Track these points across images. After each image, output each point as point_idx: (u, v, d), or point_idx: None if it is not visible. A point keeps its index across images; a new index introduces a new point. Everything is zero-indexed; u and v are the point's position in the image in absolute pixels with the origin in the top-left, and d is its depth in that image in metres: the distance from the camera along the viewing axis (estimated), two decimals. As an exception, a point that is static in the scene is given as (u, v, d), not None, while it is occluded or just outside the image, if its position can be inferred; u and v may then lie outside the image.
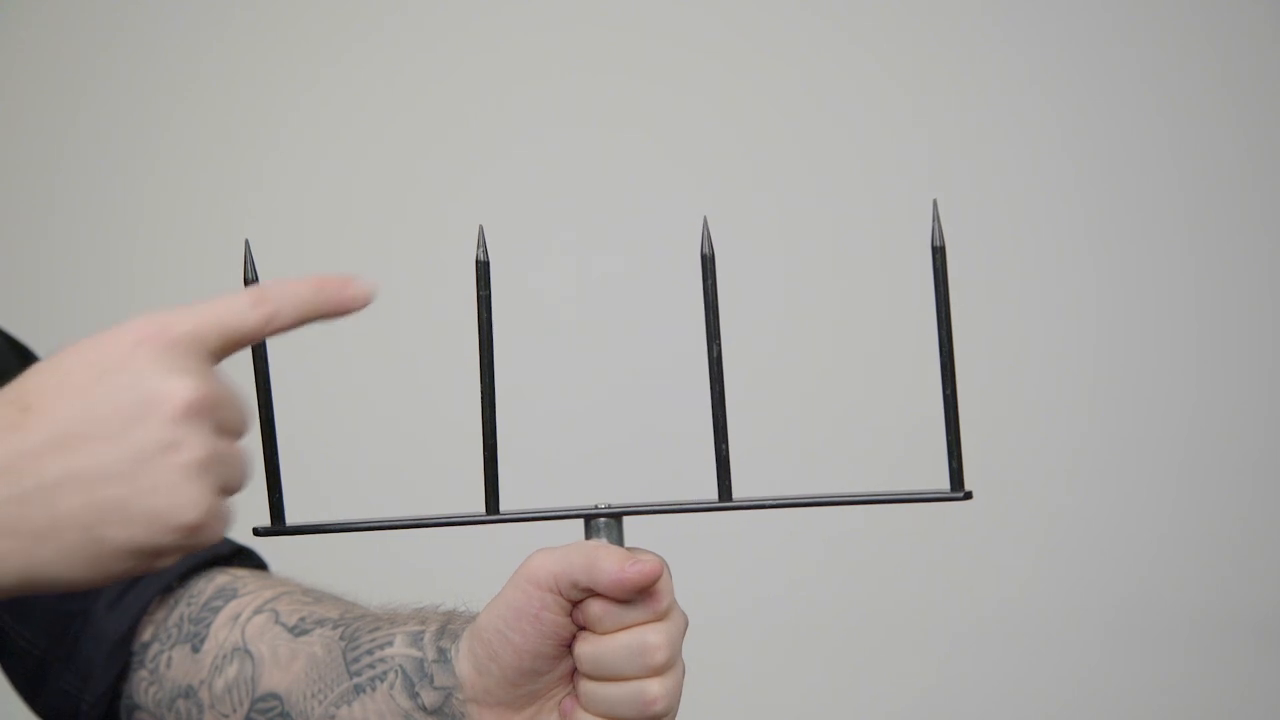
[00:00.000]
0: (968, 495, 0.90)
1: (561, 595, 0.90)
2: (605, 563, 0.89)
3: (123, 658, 1.08)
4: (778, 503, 0.92)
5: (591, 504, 0.92)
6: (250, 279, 0.88)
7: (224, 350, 0.77)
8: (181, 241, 2.24)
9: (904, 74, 2.18)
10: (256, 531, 0.88)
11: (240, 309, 0.78)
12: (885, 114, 2.18)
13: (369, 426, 2.16)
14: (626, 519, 0.92)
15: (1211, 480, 2.14)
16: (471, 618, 0.96)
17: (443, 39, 2.22)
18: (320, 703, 0.98)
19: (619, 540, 0.92)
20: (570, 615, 0.91)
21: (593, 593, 0.90)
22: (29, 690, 1.12)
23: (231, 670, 1.03)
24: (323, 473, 2.13)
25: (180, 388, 0.73)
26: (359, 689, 0.98)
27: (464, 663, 0.94)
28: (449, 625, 0.97)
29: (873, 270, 2.17)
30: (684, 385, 2.05)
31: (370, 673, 0.98)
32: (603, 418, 2.03)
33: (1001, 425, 2.11)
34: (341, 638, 1.01)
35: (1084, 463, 2.16)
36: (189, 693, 1.04)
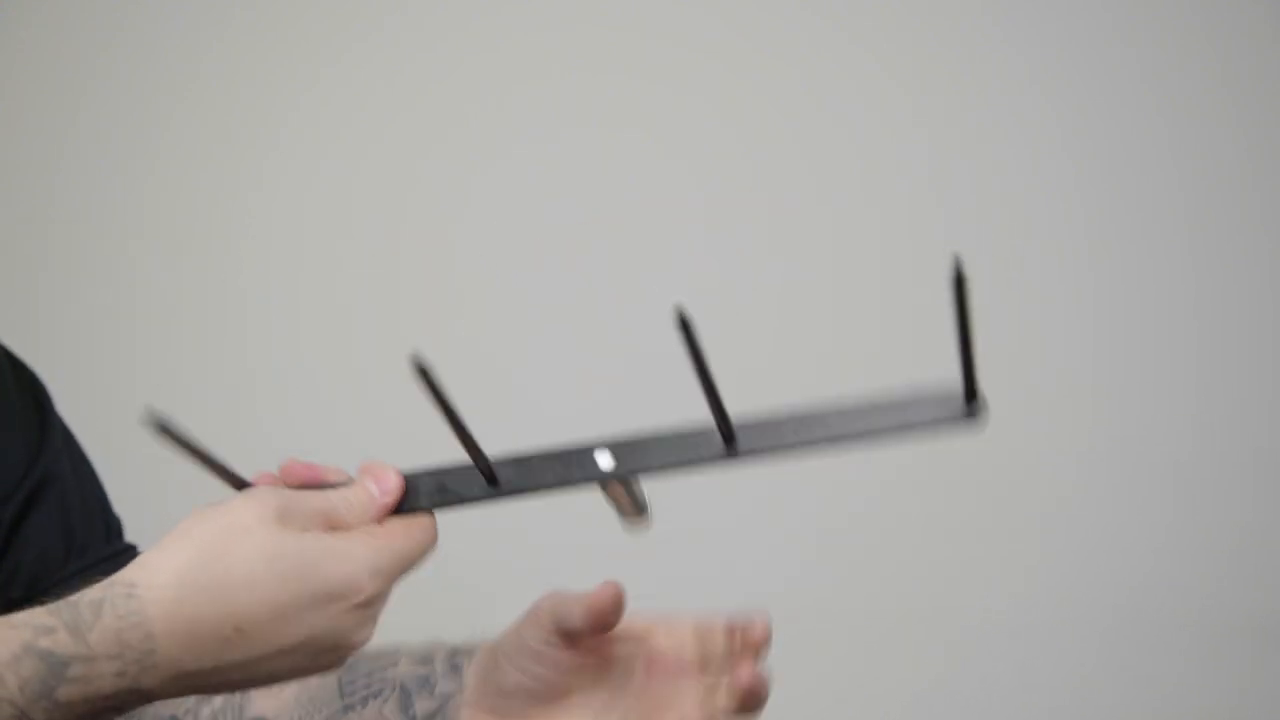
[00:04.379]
0: (977, 408, 0.86)
1: (557, 633, 0.96)
2: (572, 602, 0.95)
3: None
4: (782, 442, 0.88)
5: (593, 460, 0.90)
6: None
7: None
8: (182, 241, 2.24)
9: (904, 74, 2.18)
10: None
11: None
12: (885, 114, 2.18)
13: (371, 425, 2.16)
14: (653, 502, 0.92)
15: (1211, 482, 2.15)
16: (478, 647, 1.01)
17: (442, 40, 2.22)
18: None
19: (638, 495, 0.91)
20: (569, 650, 0.96)
21: (580, 632, 0.96)
22: None
23: (218, 700, 1.03)
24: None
25: (366, 636, 0.87)
26: (347, 708, 1.00)
27: (473, 671, 0.98)
28: (462, 648, 1.01)
29: (872, 271, 2.18)
30: (689, 387, 2.05)
31: (364, 692, 1.00)
32: (606, 417, 2.04)
33: (1001, 427, 2.11)
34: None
35: (1084, 465, 2.16)
36: None
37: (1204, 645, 2.15)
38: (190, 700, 1.05)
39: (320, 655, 0.84)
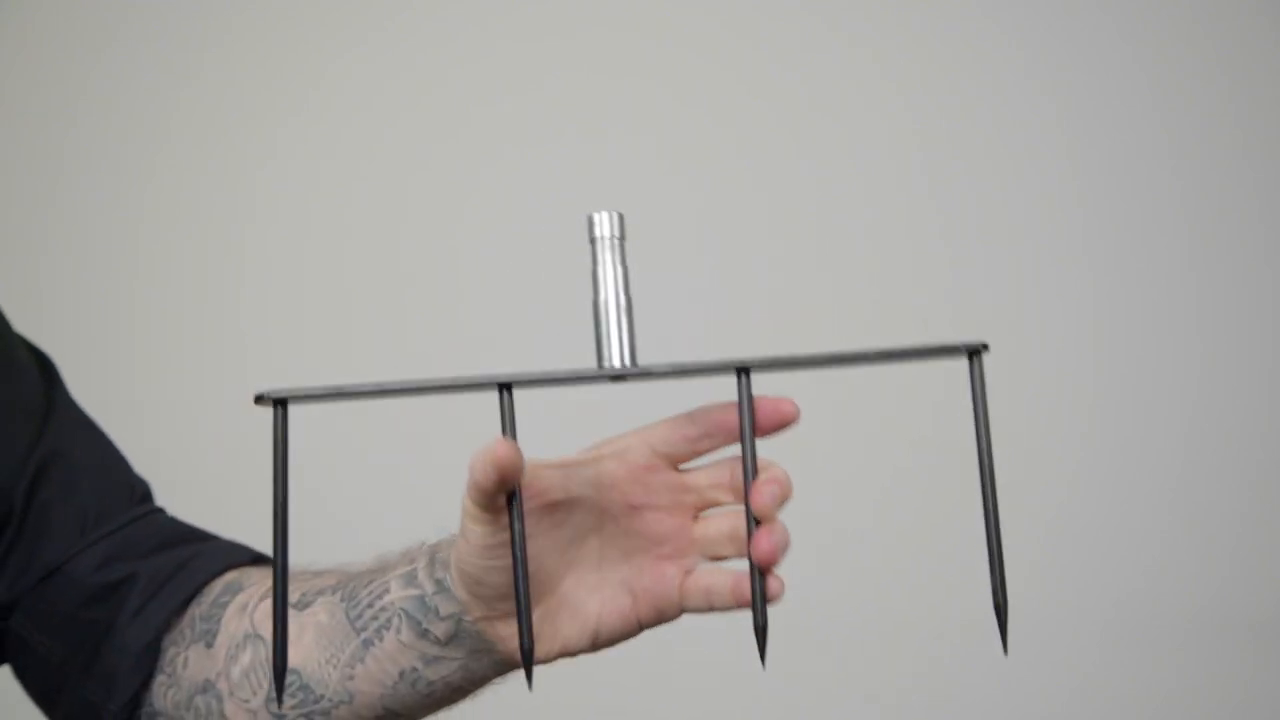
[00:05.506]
0: (985, 345, 0.89)
1: (487, 513, 0.92)
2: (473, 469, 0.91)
3: (148, 666, 1.09)
4: (785, 361, 0.91)
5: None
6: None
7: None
8: (183, 235, 2.24)
9: (903, 75, 2.18)
10: (259, 399, 0.89)
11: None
12: (883, 114, 2.18)
13: (371, 417, 2.17)
14: None
15: (1211, 481, 2.15)
16: (454, 540, 0.97)
17: (445, 39, 2.22)
18: (335, 667, 1.00)
19: None
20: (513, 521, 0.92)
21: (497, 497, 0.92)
22: (45, 698, 1.13)
23: (246, 657, 1.04)
24: (330, 481, 2.13)
25: None
26: (367, 643, 0.99)
27: (459, 588, 0.96)
28: (438, 554, 0.99)
29: (868, 269, 2.18)
30: (686, 385, 2.06)
31: (375, 624, 0.99)
32: (606, 415, 2.04)
33: (1001, 425, 2.11)
34: (342, 599, 1.02)
35: (1084, 463, 2.16)
36: (206, 687, 1.05)
37: (1204, 645, 2.15)
38: (220, 661, 1.07)
39: None
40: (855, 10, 2.19)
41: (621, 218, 0.90)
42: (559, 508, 0.94)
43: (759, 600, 0.92)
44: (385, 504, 2.10)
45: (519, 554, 0.89)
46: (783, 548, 0.92)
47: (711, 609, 0.94)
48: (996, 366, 2.12)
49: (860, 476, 2.15)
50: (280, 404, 0.87)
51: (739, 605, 0.93)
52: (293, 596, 1.04)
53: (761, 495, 0.92)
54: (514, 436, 0.90)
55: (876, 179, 2.18)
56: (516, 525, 0.89)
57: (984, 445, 0.90)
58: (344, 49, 2.23)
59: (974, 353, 0.89)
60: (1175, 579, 2.15)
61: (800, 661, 2.19)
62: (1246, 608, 2.15)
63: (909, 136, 2.18)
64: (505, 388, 0.89)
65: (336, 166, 2.23)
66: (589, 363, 0.93)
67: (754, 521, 0.92)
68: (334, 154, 2.23)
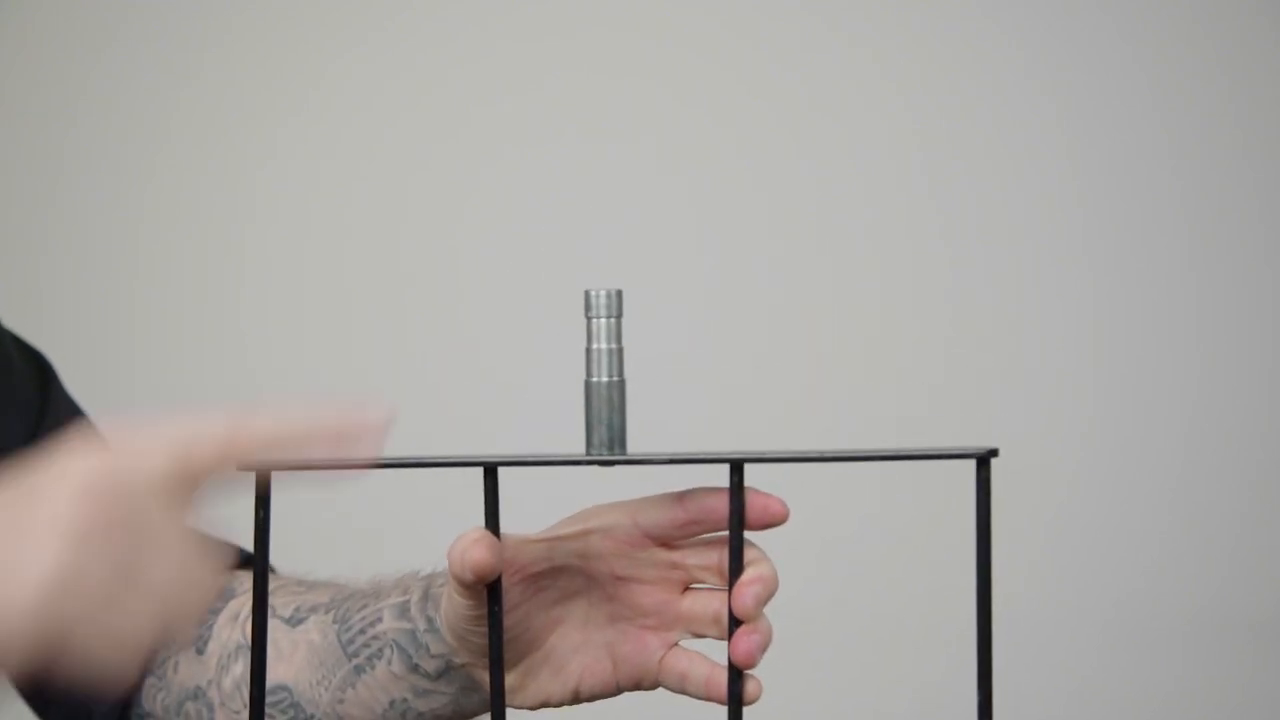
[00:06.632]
0: (995, 450, 0.87)
1: (471, 598, 0.92)
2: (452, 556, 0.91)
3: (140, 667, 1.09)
4: (780, 457, 0.89)
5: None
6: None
7: None
8: (182, 244, 2.24)
9: (903, 75, 2.18)
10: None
11: None
12: (885, 115, 2.18)
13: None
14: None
15: (1211, 480, 2.15)
16: (439, 593, 0.97)
17: (441, 43, 2.22)
18: (326, 689, 1.00)
19: None
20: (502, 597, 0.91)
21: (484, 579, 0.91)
22: (37, 698, 1.13)
23: (238, 668, 1.05)
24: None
25: None
26: (359, 669, 0.99)
27: (448, 634, 0.96)
28: (431, 590, 0.99)
29: (867, 269, 2.18)
30: (686, 389, 2.05)
31: (367, 651, 0.99)
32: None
33: (1001, 424, 2.11)
34: (334, 621, 1.02)
35: (1084, 463, 2.16)
36: (197, 694, 1.05)
37: (1204, 645, 2.15)
38: (212, 670, 1.07)
39: None
40: (855, 10, 2.18)
41: (619, 295, 0.87)
42: (543, 575, 0.94)
43: (735, 700, 0.90)
44: (371, 511, 2.10)
45: (496, 641, 0.89)
46: (763, 648, 0.90)
47: (684, 693, 0.94)
48: (997, 367, 2.12)
49: (858, 478, 2.15)
50: (263, 476, 0.85)
51: (710, 698, 0.92)
52: (286, 611, 1.05)
53: (743, 598, 0.90)
54: (496, 520, 0.89)
55: (876, 179, 2.18)
56: (495, 607, 0.89)
57: (984, 558, 0.87)
58: (344, 49, 2.23)
59: (983, 460, 0.86)
60: (1175, 579, 2.15)
61: (795, 664, 2.19)
62: (1246, 608, 2.14)
63: (909, 136, 2.18)
64: (490, 470, 0.88)
65: (336, 166, 2.23)
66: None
67: (736, 621, 0.90)
68: (334, 154, 2.23)
